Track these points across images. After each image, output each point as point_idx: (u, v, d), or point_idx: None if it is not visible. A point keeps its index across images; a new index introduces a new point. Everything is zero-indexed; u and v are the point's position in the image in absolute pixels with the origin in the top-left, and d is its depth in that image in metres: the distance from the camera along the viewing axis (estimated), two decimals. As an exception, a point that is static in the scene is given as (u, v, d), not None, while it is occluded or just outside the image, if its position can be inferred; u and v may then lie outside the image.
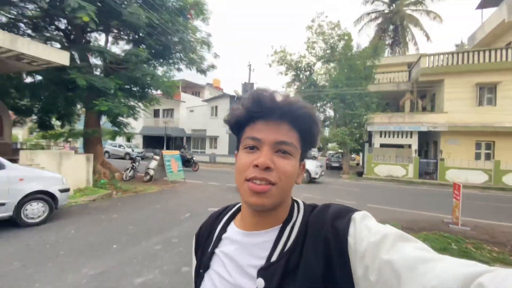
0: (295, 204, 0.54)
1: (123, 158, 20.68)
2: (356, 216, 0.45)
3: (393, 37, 23.78)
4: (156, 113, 25.38)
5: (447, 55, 13.49)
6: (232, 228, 0.55)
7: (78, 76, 7.45)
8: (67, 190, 4.49)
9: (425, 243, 1.92)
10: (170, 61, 11.67)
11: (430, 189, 10.99)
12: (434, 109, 14.86)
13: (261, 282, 0.45)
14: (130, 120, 11.29)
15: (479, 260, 3.64)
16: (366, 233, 0.41)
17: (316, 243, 0.45)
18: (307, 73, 18.35)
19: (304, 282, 0.43)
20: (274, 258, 0.46)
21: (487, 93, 12.91)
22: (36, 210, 4.03)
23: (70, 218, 4.54)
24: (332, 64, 17.25)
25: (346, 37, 16.46)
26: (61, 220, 4.41)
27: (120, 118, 10.50)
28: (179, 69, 12.30)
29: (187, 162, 13.74)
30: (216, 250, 0.54)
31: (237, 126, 0.53)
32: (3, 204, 3.67)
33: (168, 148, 21.94)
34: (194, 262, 0.60)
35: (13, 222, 3.90)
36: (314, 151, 12.43)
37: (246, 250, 0.50)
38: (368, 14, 23.38)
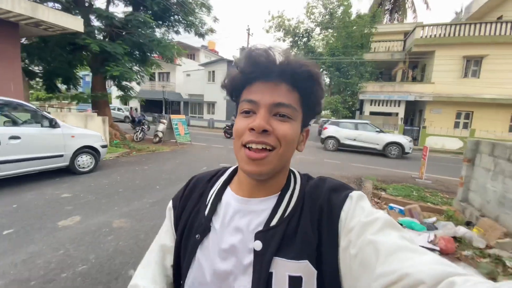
0: (292, 173, 0.54)
1: (122, 121, 21.26)
2: (354, 194, 0.46)
3: (393, 2, 23.41)
4: (152, 77, 25.29)
5: (440, 27, 13.94)
6: (229, 193, 0.54)
7: (92, 42, 7.87)
8: (105, 146, 5.40)
9: (393, 191, 3.60)
10: (169, 23, 11.73)
11: (409, 153, 12.31)
12: (423, 80, 15.68)
13: (258, 244, 0.45)
14: (132, 84, 11.75)
15: (431, 202, 4.85)
16: (359, 212, 0.43)
17: (312, 212, 0.46)
18: (305, 39, 18.49)
19: (301, 248, 0.44)
20: (273, 223, 0.46)
21: (473, 66, 13.71)
22: (85, 161, 4.99)
23: (110, 169, 5.55)
24: (330, 31, 17.42)
25: (345, 3, 16.45)
26: (104, 170, 5.41)
27: (125, 83, 10.99)
28: (177, 32, 12.41)
29: None
30: (213, 216, 0.52)
31: (234, 90, 0.51)
32: (62, 156, 4.59)
33: (166, 113, 22.49)
34: (170, 231, 0.57)
35: (69, 171, 4.88)
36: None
37: (244, 216, 0.49)
38: (370, -24, 22.64)
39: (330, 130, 11.39)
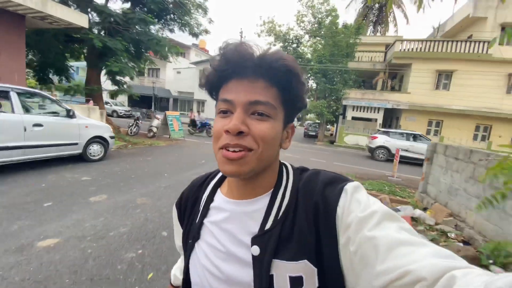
0: (284, 168, 0.53)
1: (110, 115, 21.11)
2: (348, 187, 0.44)
3: (377, 16, 24.92)
4: (141, 72, 25.24)
5: (417, 42, 15.29)
6: (220, 197, 0.54)
7: (95, 37, 8.19)
8: (113, 137, 5.85)
9: (369, 186, 4.74)
10: (164, 21, 12.11)
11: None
12: (401, 89, 17.02)
13: (256, 249, 0.45)
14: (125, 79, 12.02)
15: (400, 196, 5.71)
16: (355, 206, 0.41)
17: (307, 210, 0.45)
18: (294, 45, 19.37)
19: (298, 248, 0.43)
20: (268, 226, 0.46)
21: (444, 79, 15.14)
22: (96, 150, 5.43)
23: (116, 159, 5.99)
24: (318, 39, 18.40)
25: (333, 13, 17.49)
26: (111, 159, 5.85)
27: (119, 77, 11.28)
28: (171, 30, 12.83)
29: None
30: (205, 221, 0.53)
31: (212, 89, 0.49)
32: (76, 144, 5.02)
33: (155, 109, 22.59)
34: (179, 229, 0.61)
35: (80, 158, 5.29)
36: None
37: (237, 219, 0.49)
38: (357, -11, 24.02)
39: (381, 139, 11.14)
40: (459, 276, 0.29)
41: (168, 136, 11.09)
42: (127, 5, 11.15)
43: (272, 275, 0.43)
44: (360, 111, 16.59)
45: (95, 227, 2.77)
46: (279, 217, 0.46)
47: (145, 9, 10.71)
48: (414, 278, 0.31)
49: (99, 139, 5.45)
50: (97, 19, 10.27)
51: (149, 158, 6.50)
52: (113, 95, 12.95)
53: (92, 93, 10.70)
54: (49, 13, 6.73)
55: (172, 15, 12.18)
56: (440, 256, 0.33)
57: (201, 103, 22.30)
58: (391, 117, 17.76)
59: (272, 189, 0.50)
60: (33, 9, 6.46)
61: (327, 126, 26.15)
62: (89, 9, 9.85)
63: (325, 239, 0.42)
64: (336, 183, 0.46)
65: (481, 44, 14.08)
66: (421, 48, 15.14)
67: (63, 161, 5.10)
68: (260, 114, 0.44)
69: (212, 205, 0.54)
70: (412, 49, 15.36)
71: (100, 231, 2.69)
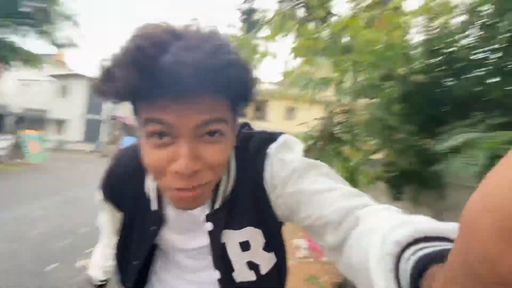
0: None
1: None
2: (270, 150, 0.46)
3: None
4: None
5: (272, 84, 20.38)
6: None
7: None
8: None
9: None
10: (16, 24, 10.56)
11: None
12: (264, 119, 21.74)
13: (210, 225, 0.49)
14: None
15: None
16: (279, 167, 0.44)
17: (246, 182, 0.48)
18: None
19: (242, 219, 0.49)
20: (217, 206, 0.48)
21: (291, 113, 20.73)
22: None
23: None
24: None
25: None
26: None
27: None
28: (24, 36, 11.29)
29: None
30: (164, 209, 0.51)
31: (121, 99, 0.35)
32: None
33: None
34: (114, 214, 0.56)
35: None
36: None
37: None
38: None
39: None
40: (362, 216, 0.32)
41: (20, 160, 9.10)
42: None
43: (224, 243, 0.49)
44: (234, 135, 19.50)
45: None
46: (226, 195, 0.49)
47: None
48: (325, 221, 0.36)
49: None
50: None
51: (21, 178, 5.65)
52: None
53: None
54: None
55: (28, 20, 10.72)
56: (348, 197, 0.37)
57: (61, 123, 18.83)
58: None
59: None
60: None
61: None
62: None
63: (263, 205, 0.47)
64: (263, 148, 0.46)
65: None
66: (275, 90, 20.22)
67: None
68: (211, 134, 0.36)
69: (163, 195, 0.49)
70: (269, 89, 20.25)
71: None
